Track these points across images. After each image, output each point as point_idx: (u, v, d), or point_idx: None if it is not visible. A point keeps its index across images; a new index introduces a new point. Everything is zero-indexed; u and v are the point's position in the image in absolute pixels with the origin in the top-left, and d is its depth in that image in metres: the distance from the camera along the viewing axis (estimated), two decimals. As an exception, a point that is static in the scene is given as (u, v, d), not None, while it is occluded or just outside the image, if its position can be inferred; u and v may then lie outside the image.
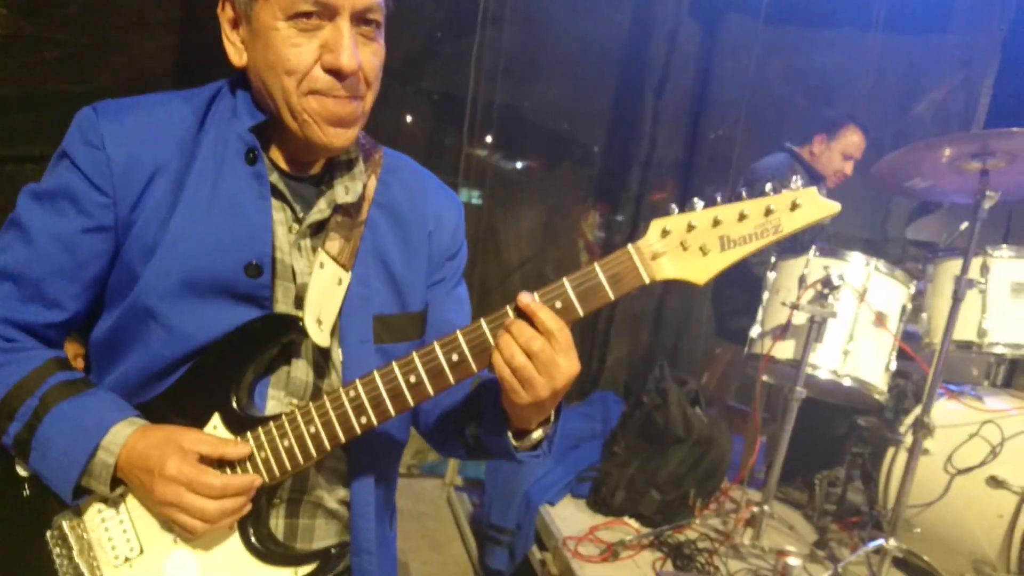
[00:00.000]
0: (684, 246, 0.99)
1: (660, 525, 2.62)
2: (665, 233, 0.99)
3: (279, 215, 1.11)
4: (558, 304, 0.99)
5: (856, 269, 2.62)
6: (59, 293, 1.08)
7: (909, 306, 2.69)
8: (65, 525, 1.09)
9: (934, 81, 5.15)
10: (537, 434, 1.10)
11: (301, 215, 1.12)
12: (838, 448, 3.12)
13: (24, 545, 1.10)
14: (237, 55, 1.09)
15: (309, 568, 1.08)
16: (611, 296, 1.00)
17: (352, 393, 1.05)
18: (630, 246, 1.00)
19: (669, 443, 2.68)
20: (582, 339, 5.05)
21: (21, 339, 1.08)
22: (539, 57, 4.73)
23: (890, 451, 2.68)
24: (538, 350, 0.97)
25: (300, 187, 1.14)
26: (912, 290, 2.69)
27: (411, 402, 1.04)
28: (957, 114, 5.18)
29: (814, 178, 3.50)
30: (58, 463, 1.03)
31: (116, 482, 1.05)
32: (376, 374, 1.04)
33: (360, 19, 1.04)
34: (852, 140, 3.48)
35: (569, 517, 2.68)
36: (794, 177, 1.00)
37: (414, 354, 1.03)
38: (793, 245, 2.98)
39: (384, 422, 1.06)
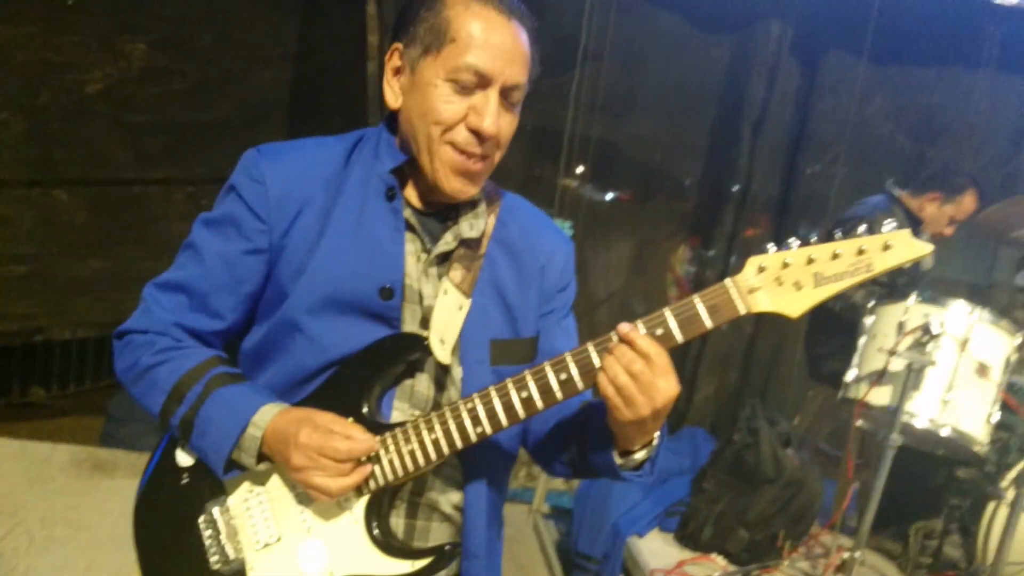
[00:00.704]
0: (779, 281, 1.08)
1: (748, 564, 2.63)
2: (761, 269, 1.08)
3: (410, 246, 1.26)
4: (659, 331, 1.09)
5: (958, 317, 2.58)
6: (221, 305, 1.26)
7: (1014, 357, 2.63)
8: (215, 511, 1.25)
9: (1049, 122, 4.98)
10: (640, 455, 1.19)
11: (429, 247, 1.27)
12: (935, 499, 3.05)
13: (180, 528, 1.27)
14: (393, 98, 1.26)
15: (425, 562, 1.19)
16: (708, 325, 1.09)
17: (470, 405, 1.16)
18: (728, 280, 1.09)
19: (759, 482, 2.69)
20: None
21: (188, 341, 1.27)
22: (637, 92, 4.81)
23: (991, 505, 2.62)
24: (638, 371, 1.07)
25: (429, 222, 1.29)
26: (1018, 341, 2.63)
27: (522, 415, 1.15)
28: (1074, 157, 4.99)
29: (912, 221, 3.40)
30: (215, 438, 1.19)
31: (262, 457, 1.20)
32: (492, 389, 1.16)
33: (506, 93, 1.20)
34: (967, 206, 3.26)
35: (657, 550, 2.72)
36: (887, 220, 1.06)
37: (526, 372, 1.14)
38: (893, 291, 2.95)
39: (497, 432, 1.17)
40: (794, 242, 1.08)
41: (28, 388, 4.33)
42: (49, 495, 3.08)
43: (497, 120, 1.19)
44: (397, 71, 1.25)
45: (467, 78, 1.17)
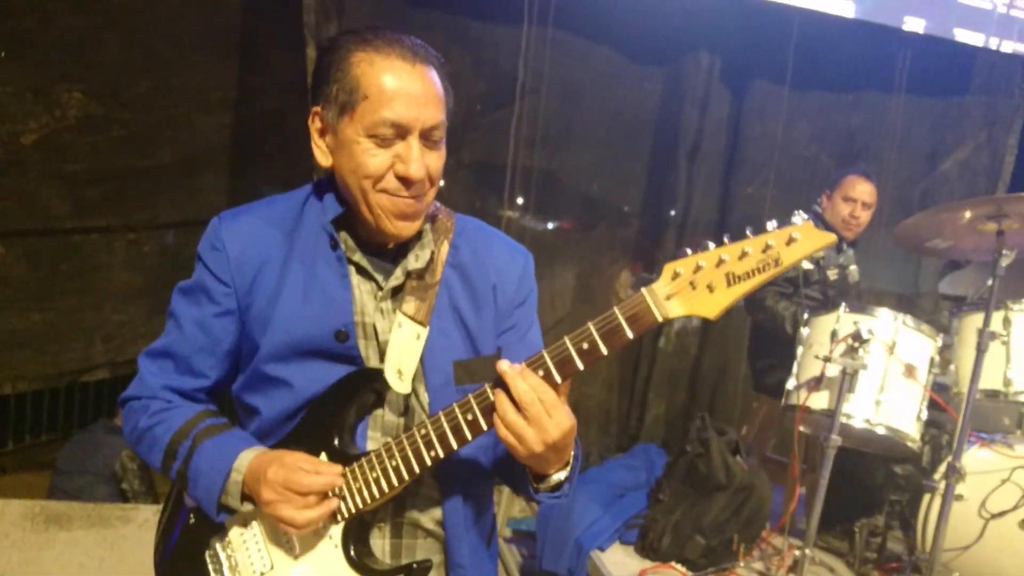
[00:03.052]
0: (693, 285, 1.09)
1: (705, 569, 2.74)
2: (676, 275, 1.11)
3: (365, 286, 1.34)
4: (585, 345, 1.14)
5: (885, 324, 2.77)
6: (202, 365, 1.37)
7: (937, 358, 2.82)
8: (218, 546, 1.36)
9: (958, 140, 5.30)
10: (557, 476, 1.27)
11: (383, 284, 1.34)
12: (877, 497, 3.21)
13: (190, 564, 1.38)
14: (324, 158, 1.32)
15: None
16: (630, 335, 1.12)
17: (423, 431, 1.24)
18: (644, 289, 1.12)
19: (712, 490, 2.81)
20: (620, 398, 5.17)
21: (177, 401, 1.38)
22: (575, 124, 4.95)
23: (926, 498, 2.78)
24: (528, 404, 1.14)
25: (379, 261, 1.36)
26: (939, 343, 2.83)
27: (469, 436, 1.22)
28: (983, 171, 5.31)
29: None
30: (204, 486, 1.30)
31: (245, 498, 1.30)
32: (441, 415, 1.23)
33: (426, 135, 1.26)
34: (852, 185, 3.50)
35: (618, 562, 2.81)
36: (796, 211, 1.08)
37: (470, 396, 1.21)
38: (825, 303, 3.15)
39: (449, 455, 1.24)
40: (711, 245, 1.10)
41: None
42: (5, 550, 3.03)
43: (422, 164, 1.25)
44: (321, 132, 1.31)
45: (385, 131, 1.23)
